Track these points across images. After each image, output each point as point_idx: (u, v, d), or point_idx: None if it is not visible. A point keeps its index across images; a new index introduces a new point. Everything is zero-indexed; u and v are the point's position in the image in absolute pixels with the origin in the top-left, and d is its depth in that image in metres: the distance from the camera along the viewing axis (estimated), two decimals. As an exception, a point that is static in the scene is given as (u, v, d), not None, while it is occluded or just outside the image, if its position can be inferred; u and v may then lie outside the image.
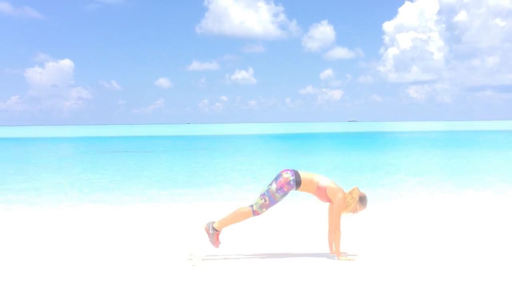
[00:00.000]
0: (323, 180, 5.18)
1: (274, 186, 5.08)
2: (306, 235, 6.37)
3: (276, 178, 5.12)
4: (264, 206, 5.07)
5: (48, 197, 10.98)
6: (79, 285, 4.29)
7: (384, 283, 4.24)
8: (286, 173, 5.11)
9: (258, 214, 5.12)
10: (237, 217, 5.14)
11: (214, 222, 5.19)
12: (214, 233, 5.14)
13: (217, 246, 5.17)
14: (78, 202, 10.23)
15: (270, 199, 5.06)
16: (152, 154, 28.30)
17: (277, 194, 5.05)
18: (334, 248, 5.22)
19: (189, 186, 12.90)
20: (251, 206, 5.10)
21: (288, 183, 5.06)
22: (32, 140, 56.42)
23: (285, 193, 5.10)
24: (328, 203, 5.33)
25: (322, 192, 5.15)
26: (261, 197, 5.08)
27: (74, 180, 14.73)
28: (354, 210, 5.18)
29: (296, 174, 5.12)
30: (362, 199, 5.18)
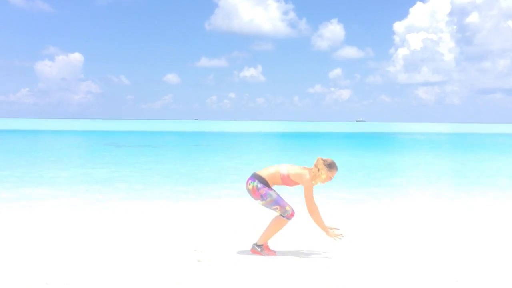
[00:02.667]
0: (283, 168, 5.16)
1: (260, 202, 5.14)
2: (311, 233, 6.38)
3: (251, 195, 5.18)
4: (281, 209, 5.09)
5: (54, 191, 11.06)
6: (86, 278, 4.34)
7: (387, 285, 4.25)
8: (249, 184, 5.16)
9: (292, 215, 5.13)
10: (275, 228, 5.17)
11: (255, 242, 5.26)
12: (261, 248, 5.19)
13: (275, 254, 5.18)
14: (83, 196, 10.29)
15: (274, 203, 5.09)
16: (159, 150, 28.40)
17: (269, 199, 5.09)
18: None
19: (196, 182, 12.94)
20: (279, 216, 5.13)
21: (259, 189, 5.09)
22: (41, 133, 56.78)
23: (268, 191, 5.09)
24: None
25: (287, 180, 5.15)
26: (272, 208, 5.12)
27: (80, 173, 14.82)
28: (327, 179, 5.12)
29: (257, 177, 5.15)
30: (330, 165, 5.11)
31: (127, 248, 5.46)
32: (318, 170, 5.09)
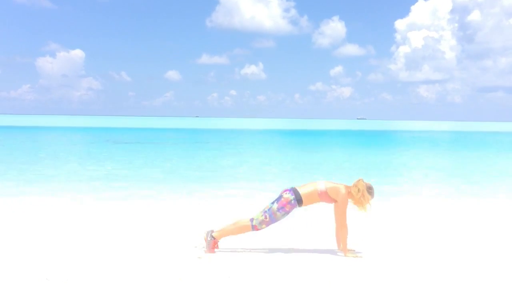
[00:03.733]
0: (321, 185, 5.17)
1: (275, 206, 5.11)
2: (312, 231, 6.38)
3: (278, 199, 5.15)
4: (264, 223, 5.12)
5: (54, 188, 11.07)
6: (86, 275, 4.34)
7: (390, 285, 4.25)
8: (286, 193, 5.13)
9: (257, 229, 5.16)
10: (236, 229, 5.21)
11: (213, 231, 5.24)
12: (211, 240, 5.18)
13: (213, 252, 5.16)
14: (83, 193, 10.30)
15: (270, 217, 5.10)
16: (160, 146, 28.41)
17: (278, 213, 5.09)
18: (341, 246, 5.22)
19: (196, 179, 12.94)
20: (251, 220, 5.14)
21: (289, 202, 5.09)
22: (42, 129, 56.83)
23: (287, 212, 5.12)
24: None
25: (325, 197, 5.15)
26: (263, 214, 5.13)
27: (81, 170, 14.83)
28: (363, 202, 5.13)
29: (295, 192, 5.13)
30: (370, 189, 5.16)
31: (127, 245, 5.46)
32: (358, 190, 5.10)
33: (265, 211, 5.13)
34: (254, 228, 5.13)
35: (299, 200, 5.11)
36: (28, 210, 7.96)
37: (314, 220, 7.08)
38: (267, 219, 5.10)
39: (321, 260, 4.93)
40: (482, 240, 6.04)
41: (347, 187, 5.18)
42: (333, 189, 5.13)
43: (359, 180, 5.17)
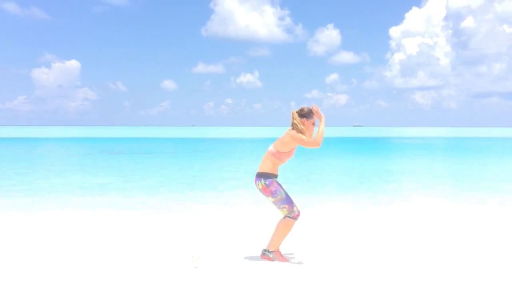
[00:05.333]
0: (270, 148, 5.12)
1: (271, 199, 5.07)
2: (310, 239, 6.37)
3: (263, 193, 5.10)
4: (289, 209, 5.03)
5: (51, 199, 11.03)
6: (83, 285, 4.32)
7: (386, 288, 4.24)
8: (258, 184, 5.11)
9: (297, 215, 5.07)
10: (284, 231, 5.10)
11: (265, 249, 5.20)
12: (274, 254, 5.13)
13: (288, 260, 5.12)
14: (80, 204, 10.26)
15: (283, 202, 5.02)
16: (157, 156, 28.36)
17: (279, 197, 5.03)
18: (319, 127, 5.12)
19: (193, 188, 12.92)
20: (285, 217, 5.07)
21: (267, 186, 5.03)
22: (38, 140, 56.68)
23: (278, 189, 5.03)
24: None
25: (280, 154, 5.06)
26: (280, 208, 5.06)
27: (76, 181, 14.78)
28: (310, 127, 5.08)
29: (260, 175, 5.08)
30: (308, 114, 5.08)
31: (124, 255, 5.43)
32: (296, 123, 5.04)
33: (278, 206, 5.05)
34: (293, 218, 5.05)
35: (270, 176, 5.05)
36: (22, 221, 7.91)
37: (311, 228, 7.07)
38: (286, 205, 5.01)
39: (320, 268, 4.92)
40: (479, 245, 6.05)
41: (289, 130, 5.07)
42: (280, 142, 5.06)
43: (292, 113, 5.10)
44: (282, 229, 5.09)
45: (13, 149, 35.59)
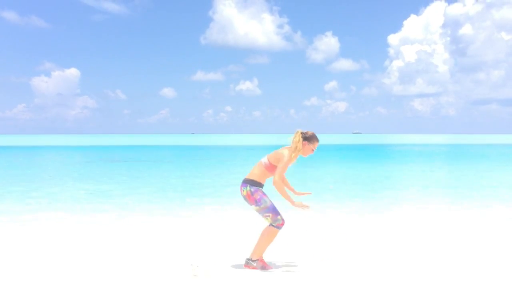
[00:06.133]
0: (264, 159, 5.15)
1: (254, 207, 5.08)
2: (307, 245, 6.37)
3: (247, 201, 5.13)
4: (273, 218, 5.02)
5: (49, 207, 11.01)
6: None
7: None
8: (243, 190, 5.13)
9: (281, 224, 5.06)
10: (267, 240, 5.09)
11: (248, 258, 5.20)
12: (257, 262, 5.13)
13: (271, 268, 5.12)
14: (79, 212, 10.25)
15: (267, 211, 5.04)
16: (156, 164, 28.35)
17: (263, 205, 5.03)
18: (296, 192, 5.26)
19: (192, 196, 12.91)
20: (269, 226, 5.08)
21: (252, 193, 5.06)
22: (37, 149, 56.64)
23: (262, 196, 5.05)
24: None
25: (272, 167, 5.09)
26: (264, 217, 5.08)
27: (75, 189, 14.77)
28: (309, 151, 5.16)
29: (248, 181, 5.12)
30: (310, 138, 5.16)
31: (123, 263, 5.43)
32: (296, 142, 5.10)
33: (262, 214, 5.05)
34: (277, 227, 5.05)
35: (256, 184, 5.08)
36: (22, 230, 7.90)
37: (309, 233, 7.07)
38: (270, 214, 5.01)
39: (319, 273, 4.92)
40: (477, 252, 6.05)
41: (289, 147, 5.14)
42: (274, 155, 5.10)
43: (296, 132, 5.17)
44: (266, 237, 5.10)
45: (12, 157, 35.55)
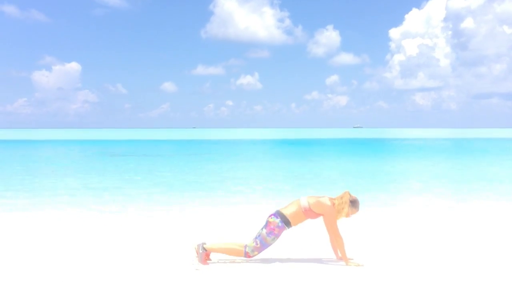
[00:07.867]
0: (304, 202, 5.18)
1: (264, 231, 5.14)
2: (311, 240, 6.37)
3: (266, 225, 5.17)
4: (255, 250, 5.13)
5: (51, 201, 11.03)
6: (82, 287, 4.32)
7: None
8: (271, 217, 5.17)
9: (250, 257, 5.17)
10: (229, 251, 5.20)
11: (205, 243, 5.23)
12: (203, 252, 5.16)
13: (205, 264, 5.13)
14: (81, 205, 10.26)
15: (261, 242, 5.12)
16: (157, 158, 28.37)
17: (268, 238, 5.12)
18: (340, 255, 5.23)
19: (193, 191, 12.92)
20: (245, 246, 5.15)
21: (277, 226, 5.11)
22: (38, 143, 56.70)
23: (277, 236, 5.14)
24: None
25: (310, 213, 5.15)
26: (254, 240, 5.15)
27: (77, 183, 14.78)
28: (347, 215, 5.19)
29: (281, 215, 5.16)
30: (354, 203, 5.19)
31: (125, 257, 5.43)
32: (343, 203, 5.14)
33: (256, 238, 5.16)
34: (246, 255, 5.15)
35: (286, 222, 5.14)
36: (22, 223, 7.91)
37: (311, 229, 7.07)
38: (258, 245, 5.13)
39: (320, 270, 4.92)
40: (479, 245, 6.04)
41: (331, 198, 5.21)
42: (317, 204, 5.15)
43: (345, 192, 5.22)
44: (231, 250, 5.17)
45: (13, 152, 35.59)
